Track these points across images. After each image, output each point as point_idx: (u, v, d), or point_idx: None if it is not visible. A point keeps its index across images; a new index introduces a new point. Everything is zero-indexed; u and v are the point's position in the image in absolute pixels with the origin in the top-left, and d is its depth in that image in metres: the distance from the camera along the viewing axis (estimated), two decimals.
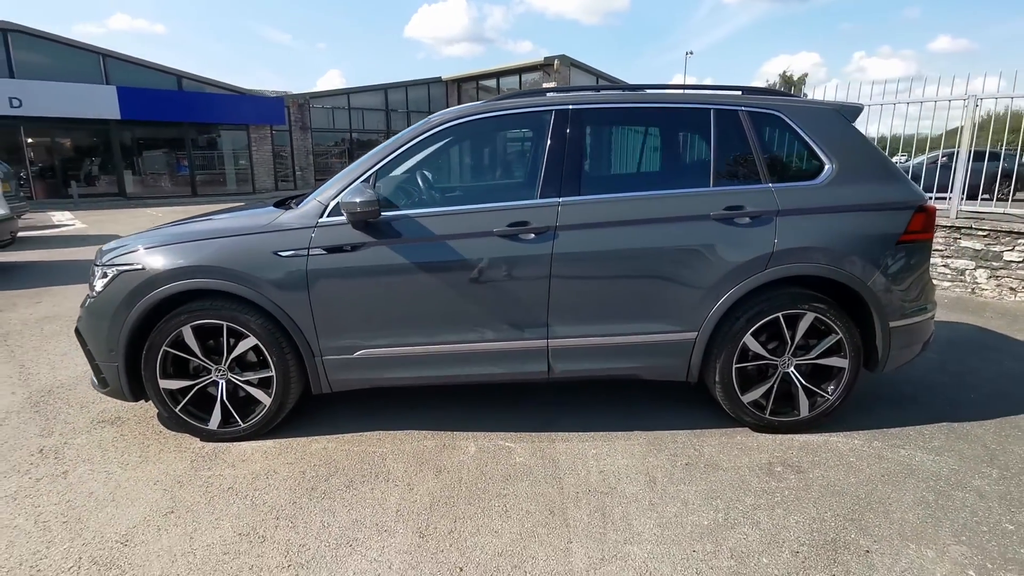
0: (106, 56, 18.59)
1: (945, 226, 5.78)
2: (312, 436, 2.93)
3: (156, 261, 2.73)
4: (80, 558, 2.06)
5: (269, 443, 2.87)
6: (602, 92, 2.91)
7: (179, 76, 20.14)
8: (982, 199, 5.96)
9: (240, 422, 2.87)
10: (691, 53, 47.24)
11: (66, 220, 13.78)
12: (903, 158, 7.44)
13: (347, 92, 25.70)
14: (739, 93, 2.95)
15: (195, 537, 2.18)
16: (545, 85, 23.42)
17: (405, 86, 26.58)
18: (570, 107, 2.81)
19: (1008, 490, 2.45)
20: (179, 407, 2.84)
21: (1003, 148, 6.32)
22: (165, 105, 19.36)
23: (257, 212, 2.98)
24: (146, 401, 2.92)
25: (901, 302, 2.82)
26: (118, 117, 18.26)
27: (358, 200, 2.57)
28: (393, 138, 2.84)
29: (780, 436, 2.90)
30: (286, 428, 2.99)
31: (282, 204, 2.98)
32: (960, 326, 4.78)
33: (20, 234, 9.57)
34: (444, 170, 3.12)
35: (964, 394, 3.41)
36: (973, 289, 5.68)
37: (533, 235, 2.68)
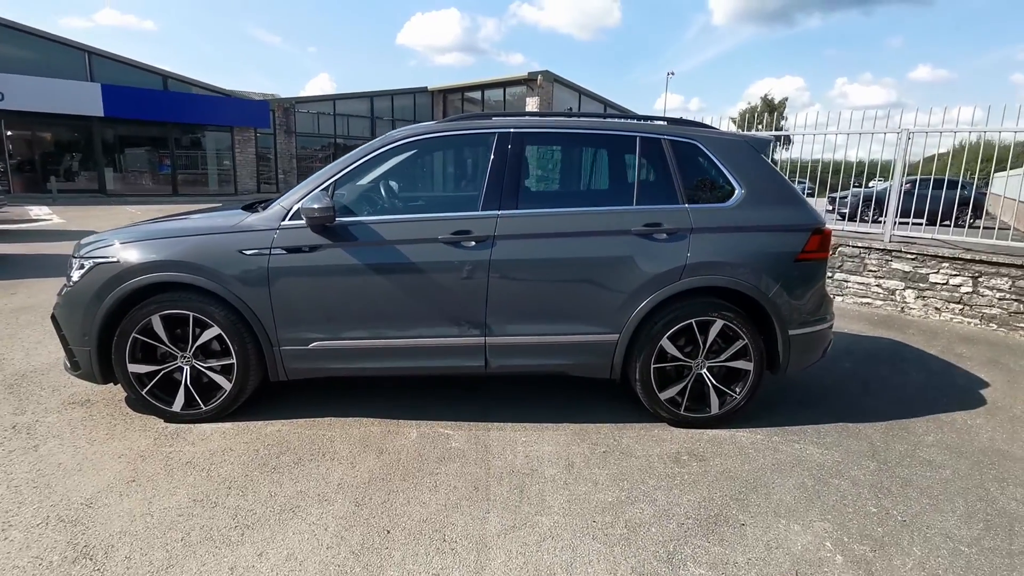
0: (92, 53, 18.66)
1: (878, 248, 6.22)
2: (268, 420, 3.20)
3: (130, 255, 3.00)
4: (48, 516, 2.31)
5: (228, 425, 3.13)
6: (543, 118, 3.26)
7: (165, 76, 20.25)
8: (913, 224, 6.43)
9: (202, 405, 3.12)
10: (672, 74, 48.44)
11: (44, 215, 13.81)
12: (877, 183, 7.87)
13: (333, 98, 25.97)
14: (664, 123, 3.32)
15: (153, 502, 2.44)
16: (528, 99, 23.93)
17: (391, 94, 26.93)
18: (511, 130, 3.14)
19: (880, 480, 2.80)
20: (145, 390, 3.09)
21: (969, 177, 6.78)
22: (149, 104, 19.45)
23: (226, 213, 3.26)
24: (115, 384, 3.17)
25: (799, 313, 3.18)
26: (101, 114, 18.32)
27: (316, 206, 2.87)
28: (355, 151, 3.15)
29: (693, 431, 3.23)
30: (245, 412, 3.25)
31: (250, 207, 3.26)
32: (882, 340, 5.20)
33: None
34: (399, 182, 3.43)
35: (867, 399, 3.78)
36: (903, 308, 6.12)
37: (474, 243, 3.00)
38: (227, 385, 3.11)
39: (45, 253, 8.54)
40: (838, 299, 6.66)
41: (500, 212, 3.04)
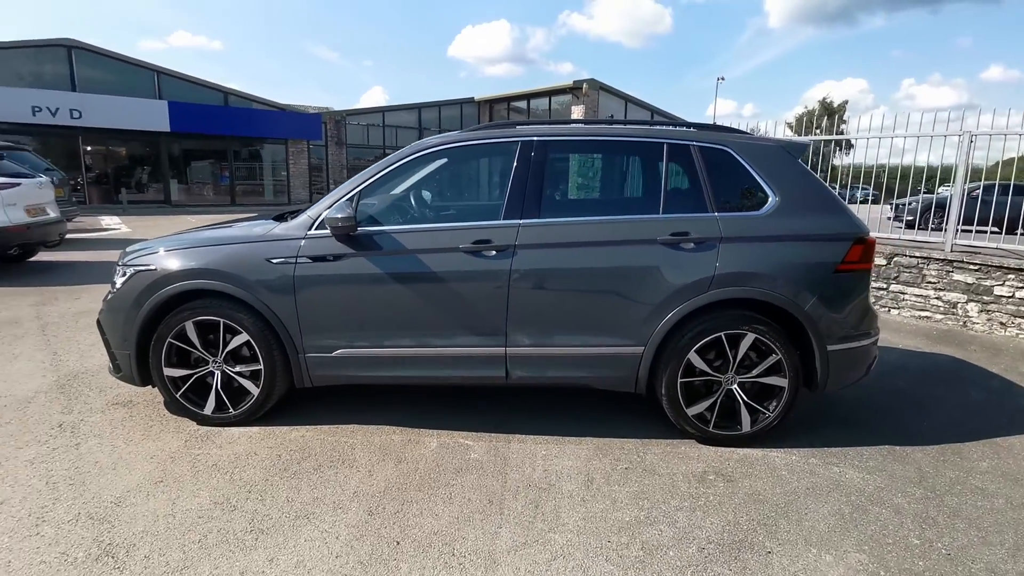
0: (160, 73, 19.84)
1: (939, 259, 5.83)
2: (293, 425, 3.26)
3: (167, 263, 3.13)
4: (79, 513, 2.41)
5: (255, 429, 3.21)
6: (568, 126, 3.21)
7: (225, 92, 21.31)
8: (977, 232, 6.01)
9: (231, 409, 3.22)
10: (722, 79, 47.08)
11: (114, 224, 14.71)
12: (948, 189, 7.40)
13: (383, 110, 26.66)
14: (693, 130, 3.21)
15: (177, 503, 2.51)
16: (573, 108, 23.87)
17: (439, 105, 27.41)
18: (535, 138, 3.11)
19: (926, 509, 2.59)
20: (179, 393, 3.21)
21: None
22: (211, 119, 20.49)
23: (257, 223, 3.36)
24: (153, 387, 3.30)
25: (840, 327, 3.00)
26: (168, 130, 19.40)
27: (339, 216, 2.91)
28: (383, 160, 3.19)
29: (722, 449, 3.09)
30: (272, 417, 3.33)
31: (280, 218, 3.35)
32: (940, 357, 4.85)
33: (69, 236, 10.35)
34: (426, 191, 3.46)
35: (918, 421, 3.52)
36: (964, 322, 5.71)
37: (495, 252, 2.97)
38: (255, 390, 3.19)
39: (111, 260, 9.06)
40: (894, 312, 6.28)
41: (522, 221, 3.01)
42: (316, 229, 3.08)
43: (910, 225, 10.62)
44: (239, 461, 2.87)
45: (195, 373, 3.20)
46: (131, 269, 3.18)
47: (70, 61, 18.31)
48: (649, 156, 3.14)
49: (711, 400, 3.06)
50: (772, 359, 2.99)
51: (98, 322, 3.30)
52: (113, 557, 2.15)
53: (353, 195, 3.08)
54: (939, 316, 5.89)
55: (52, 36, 17.93)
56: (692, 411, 3.06)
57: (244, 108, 21.69)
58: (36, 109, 17.24)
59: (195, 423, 3.26)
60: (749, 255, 2.95)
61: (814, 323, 2.95)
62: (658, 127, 3.22)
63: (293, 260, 3.05)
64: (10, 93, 16.83)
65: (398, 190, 3.29)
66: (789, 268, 2.94)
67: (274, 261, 3.05)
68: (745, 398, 3.04)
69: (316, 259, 3.04)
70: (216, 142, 21.38)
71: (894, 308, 6.26)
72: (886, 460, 3.01)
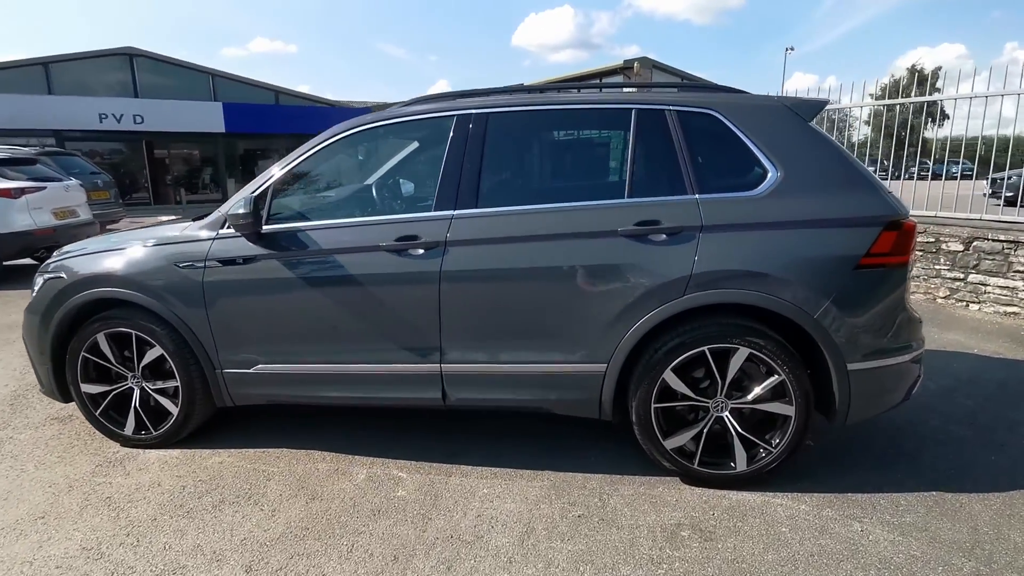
0: (215, 75, 20.52)
1: None
2: (219, 448, 2.90)
3: (75, 270, 2.83)
4: None
5: (176, 452, 2.88)
6: (514, 95, 2.65)
7: (276, 91, 21.79)
8: None
9: (152, 430, 2.90)
10: (791, 49, 43.48)
11: None
12: None
13: None
14: (671, 90, 2.56)
15: (44, 547, 2.19)
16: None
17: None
18: (472, 112, 2.57)
19: None
20: (99, 411, 2.92)
21: None
22: (263, 118, 21.01)
23: (176, 224, 3.01)
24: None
25: (864, 340, 2.29)
26: (223, 130, 20.05)
27: (239, 212, 2.50)
28: (300, 147, 2.75)
29: (711, 492, 2.46)
30: (200, 438, 2.99)
31: (201, 216, 2.99)
32: None
33: None
34: (347, 180, 2.99)
35: (983, 455, 2.74)
36: None
37: (422, 250, 2.47)
38: (173, 410, 2.85)
39: None
40: (972, 307, 5.26)
41: (455, 212, 2.49)
42: (226, 228, 2.68)
43: (1010, 202, 9.22)
44: (137, 494, 2.53)
45: (112, 390, 2.90)
46: (42, 277, 2.92)
47: (132, 68, 19.22)
48: (613, 126, 2.52)
49: (694, 431, 2.44)
50: (773, 380, 2.33)
51: (23, 335, 3.07)
52: None
53: (264, 187, 2.66)
54: None
55: (115, 45, 18.84)
56: (671, 443, 2.45)
57: (294, 106, 22.10)
58: (103, 116, 18.20)
59: (119, 444, 2.97)
60: (739, 248, 2.29)
61: (828, 335, 2.26)
62: (628, 91, 2.59)
63: (201, 264, 2.67)
64: (79, 102, 17.84)
65: (315, 179, 2.84)
66: (793, 263, 2.26)
67: (181, 266, 2.68)
68: (739, 429, 2.40)
69: (225, 262, 2.65)
70: (269, 140, 21.93)
71: (973, 302, 5.24)
72: (930, 514, 2.28)
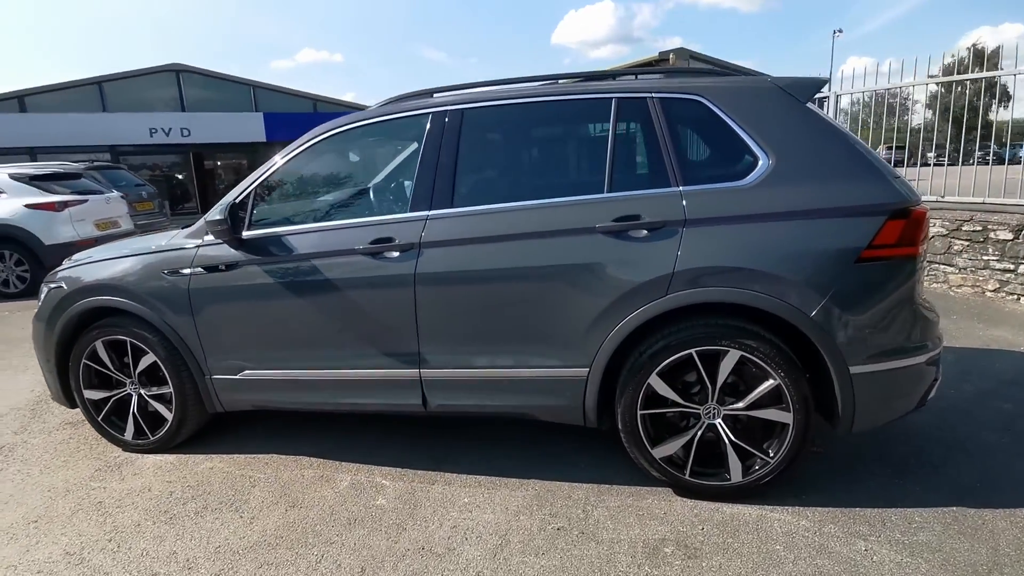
0: (256, 87, 21.19)
1: None
2: (211, 454, 2.93)
3: (73, 280, 2.91)
4: None
5: (171, 458, 2.91)
6: (491, 88, 2.55)
7: (315, 100, 22.32)
8: None
9: (150, 435, 2.94)
10: (840, 32, 41.54)
11: None
12: None
13: None
14: (656, 77, 2.41)
15: (31, 551, 2.24)
16: None
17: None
18: (447, 109, 2.49)
19: None
20: (101, 416, 2.99)
21: None
22: (302, 126, 21.39)
23: (167, 233, 3.05)
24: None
25: (868, 341, 2.09)
26: (264, 140, 20.65)
27: (215, 219, 2.51)
28: (278, 153, 2.74)
29: (704, 504, 2.30)
30: (197, 443, 3.02)
31: (189, 225, 3.02)
32: None
33: None
34: (327, 183, 2.96)
35: (1016, 466, 2.47)
36: None
37: (397, 253, 2.41)
38: (168, 415, 2.89)
39: None
40: None
41: (430, 213, 2.41)
42: (210, 235, 2.69)
43: None
44: (127, 499, 2.56)
45: (113, 396, 2.97)
46: (46, 287, 3.01)
47: (178, 84, 20.06)
48: (593, 117, 2.39)
49: (684, 439, 2.28)
50: (768, 385, 2.16)
51: (33, 343, 3.18)
52: None
53: (245, 193, 2.65)
54: None
55: (163, 63, 19.71)
56: (660, 452, 2.31)
57: (332, 113, 22.57)
58: (152, 131, 19.06)
59: (121, 449, 3.04)
60: (724, 242, 2.13)
61: (826, 336, 2.07)
62: (610, 80, 2.46)
63: (188, 272, 2.69)
64: (130, 118, 18.74)
65: (296, 184, 2.82)
66: (785, 258, 2.09)
67: (168, 273, 2.71)
68: (732, 437, 2.23)
69: (209, 269, 2.66)
70: None
71: None
72: (947, 532, 2.06)
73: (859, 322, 2.07)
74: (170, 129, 19.28)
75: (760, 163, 2.17)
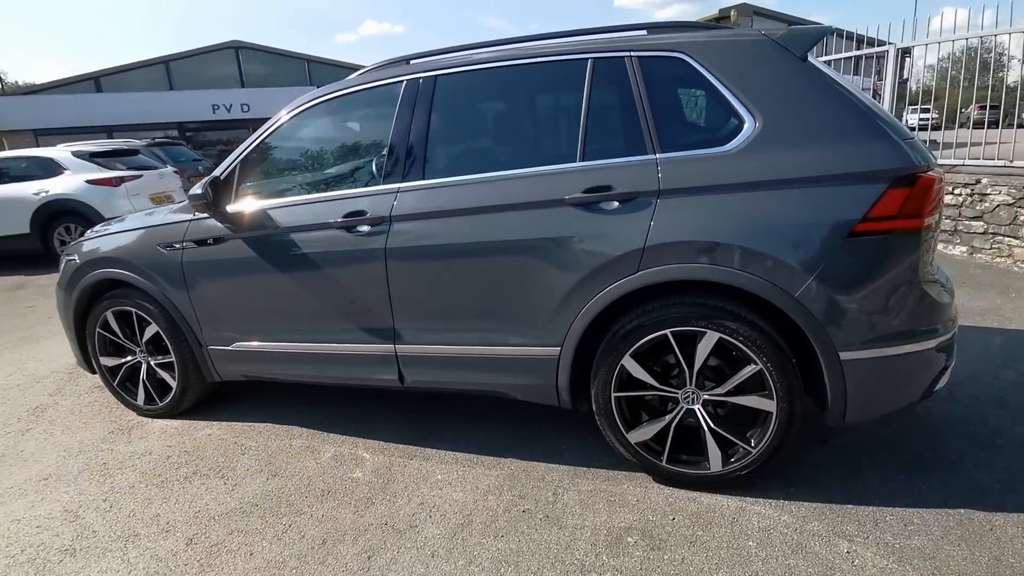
0: (309, 61, 21.61)
1: None
2: (213, 420, 3.04)
3: (83, 252, 3.05)
4: None
5: (176, 423, 3.05)
6: (464, 53, 2.42)
7: None
8: None
9: (158, 401, 3.09)
10: None
11: None
12: None
13: None
14: (638, 33, 2.21)
15: (35, 507, 2.41)
16: None
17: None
18: (420, 75, 2.39)
19: None
20: (116, 382, 3.17)
21: None
22: None
23: (167, 207, 3.13)
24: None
25: (861, 324, 1.88)
26: None
27: (196, 193, 2.54)
28: (261, 127, 2.73)
29: (683, 493, 2.18)
30: (201, 410, 3.14)
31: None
32: None
33: None
34: (304, 157, 2.92)
35: None
36: None
37: (368, 227, 2.36)
38: (172, 383, 3.01)
39: None
40: None
41: (401, 185, 2.35)
42: None
43: None
44: (128, 461, 2.71)
45: (124, 363, 3.12)
46: (64, 258, 3.17)
47: (238, 60, 20.72)
48: (568, 80, 2.22)
49: (661, 424, 2.16)
50: (749, 370, 1.99)
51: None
52: None
53: (230, 167, 2.67)
54: None
55: (223, 40, 20.37)
56: (635, 437, 2.19)
57: None
58: (215, 107, 19.87)
59: (135, 413, 3.21)
60: (699, 215, 1.95)
61: (813, 318, 1.88)
62: (590, 37, 2.27)
63: (180, 245, 2.76)
64: (194, 95, 19.58)
65: (278, 156, 2.81)
66: (766, 232, 1.89)
67: (162, 247, 2.79)
68: (711, 424, 2.09)
69: (199, 243, 2.71)
70: None
71: None
72: (947, 537, 1.86)
73: (851, 304, 1.86)
74: (231, 105, 20.03)
75: (746, 126, 1.96)
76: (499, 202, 2.19)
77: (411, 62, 2.51)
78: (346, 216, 2.39)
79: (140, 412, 3.16)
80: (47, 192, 7.67)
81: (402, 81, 2.42)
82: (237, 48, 20.60)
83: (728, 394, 2.05)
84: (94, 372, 3.27)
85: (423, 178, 2.33)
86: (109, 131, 18.34)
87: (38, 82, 19.32)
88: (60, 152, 8.22)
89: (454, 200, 2.26)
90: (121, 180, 7.92)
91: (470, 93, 2.43)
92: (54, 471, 2.67)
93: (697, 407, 2.12)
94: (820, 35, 2.01)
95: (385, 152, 2.41)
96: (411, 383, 2.50)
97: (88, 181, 7.77)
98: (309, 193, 2.59)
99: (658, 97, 2.08)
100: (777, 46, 1.99)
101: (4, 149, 15.62)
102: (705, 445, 2.12)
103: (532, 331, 2.23)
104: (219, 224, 2.66)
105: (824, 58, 8.62)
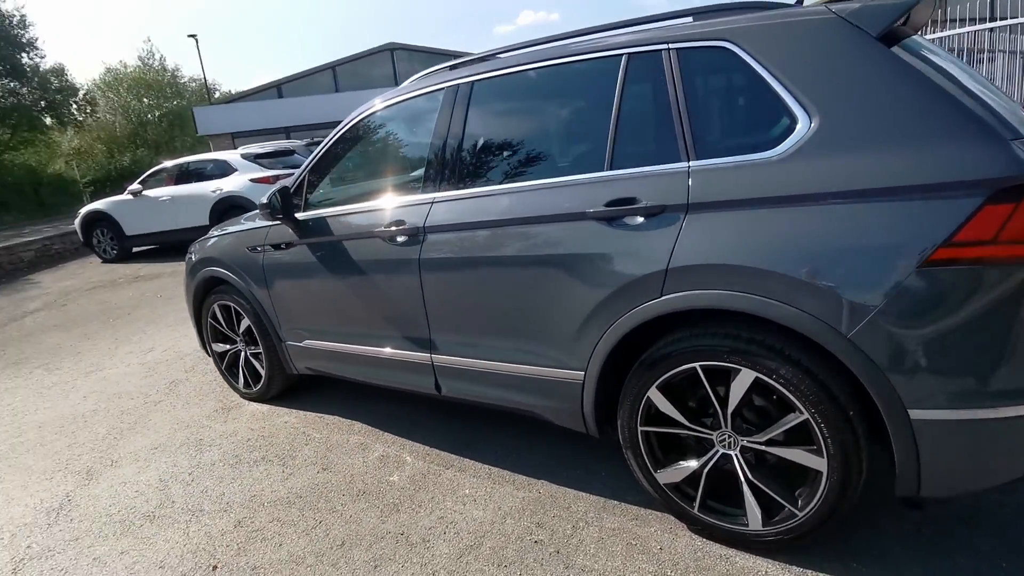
0: (454, 56, 22.54)
1: None
2: (294, 409, 3.32)
3: (197, 251, 3.49)
4: (78, 469, 2.92)
5: (264, 408, 3.38)
6: (504, 55, 2.30)
7: None
8: None
9: (253, 387, 3.45)
10: None
11: None
12: None
13: None
14: (684, 21, 1.92)
15: (141, 472, 2.82)
16: None
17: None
18: (459, 81, 2.33)
19: None
20: (224, 366, 3.60)
21: None
22: None
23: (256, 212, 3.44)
24: None
25: (942, 376, 1.47)
26: None
27: (263, 202, 2.74)
28: (328, 136, 2.88)
29: (715, 548, 1.91)
30: (289, 398, 3.44)
31: None
32: None
33: None
34: (360, 168, 2.98)
35: None
36: None
37: (405, 237, 2.38)
38: (262, 371, 3.34)
39: None
40: None
41: (436, 196, 2.33)
42: None
43: None
44: (219, 440, 3.05)
45: (229, 350, 3.53)
46: (188, 256, 3.65)
47: (392, 61, 22.30)
48: (601, 80, 1.98)
49: (693, 466, 1.90)
50: (792, 419, 1.67)
51: None
52: (57, 513, 2.54)
53: (300, 178, 2.86)
54: None
55: (379, 43, 22.06)
56: (664, 477, 1.96)
57: None
58: None
59: (239, 396, 3.61)
60: (733, 232, 1.66)
61: (872, 364, 1.51)
62: (630, 29, 2.03)
63: (262, 248, 3.02)
64: (356, 96, 21.44)
65: (340, 165, 2.92)
66: (814, 255, 1.55)
67: (249, 249, 3.08)
68: (748, 475, 1.79)
69: (275, 247, 2.95)
70: None
71: None
72: None
73: (927, 351, 1.46)
74: None
75: (799, 126, 1.62)
76: (520, 215, 2.07)
77: (461, 67, 2.46)
78: (388, 226, 2.43)
79: (241, 395, 3.56)
80: (221, 190, 8.94)
81: (443, 88, 2.39)
82: (392, 49, 22.18)
83: (768, 443, 1.74)
84: (210, 356, 3.75)
85: (456, 188, 2.29)
86: (287, 132, 20.89)
87: (233, 91, 22.58)
88: (232, 154, 9.52)
89: (477, 212, 2.18)
90: (276, 178, 8.94)
91: (506, 98, 2.32)
92: (164, 441, 3.10)
93: (734, 453, 1.83)
94: (905, 8, 1.58)
95: (425, 161, 2.40)
96: (447, 393, 2.49)
97: (252, 180, 8.91)
98: (360, 202, 2.67)
99: (696, 95, 1.80)
100: (847, 24, 1.60)
101: (210, 150, 18.52)
102: (743, 498, 1.83)
103: (555, 353, 2.09)
104: (290, 230, 2.87)
105: (938, 35, 7.00)
